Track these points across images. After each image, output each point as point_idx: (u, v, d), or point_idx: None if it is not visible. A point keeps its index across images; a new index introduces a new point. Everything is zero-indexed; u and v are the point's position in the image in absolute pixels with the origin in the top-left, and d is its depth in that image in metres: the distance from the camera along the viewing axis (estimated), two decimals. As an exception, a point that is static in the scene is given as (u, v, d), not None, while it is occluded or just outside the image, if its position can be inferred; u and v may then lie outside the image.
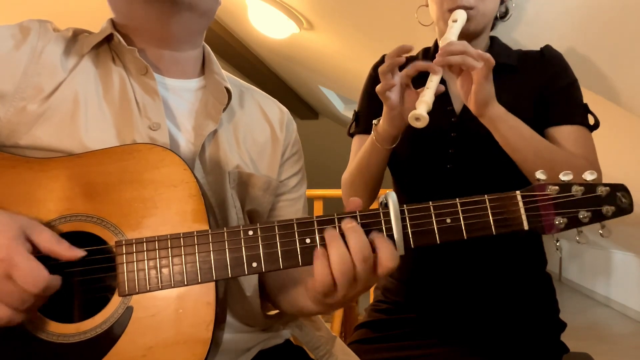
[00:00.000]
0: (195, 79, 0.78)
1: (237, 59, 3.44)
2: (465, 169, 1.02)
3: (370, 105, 1.11)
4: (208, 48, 0.82)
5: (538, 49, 1.07)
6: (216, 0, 0.75)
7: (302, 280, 0.71)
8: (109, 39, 0.73)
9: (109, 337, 0.57)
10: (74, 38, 0.72)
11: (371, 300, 1.22)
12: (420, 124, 0.80)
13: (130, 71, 0.71)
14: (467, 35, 0.98)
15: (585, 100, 1.01)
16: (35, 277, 0.52)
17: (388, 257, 0.56)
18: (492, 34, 1.11)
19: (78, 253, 0.56)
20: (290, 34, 2.43)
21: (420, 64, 0.86)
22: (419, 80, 0.87)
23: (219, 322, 0.60)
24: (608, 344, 3.28)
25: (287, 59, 3.39)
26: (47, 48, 0.67)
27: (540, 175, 0.61)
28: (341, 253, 0.56)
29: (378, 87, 0.87)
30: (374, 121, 0.96)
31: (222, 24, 2.94)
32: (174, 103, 0.74)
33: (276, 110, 0.87)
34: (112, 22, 0.74)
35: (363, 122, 1.13)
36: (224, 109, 0.75)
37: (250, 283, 0.76)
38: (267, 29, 2.42)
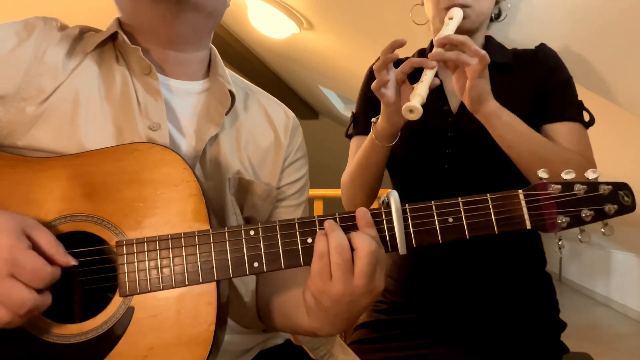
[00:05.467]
0: (200, 81, 0.77)
1: (237, 59, 3.44)
2: (463, 168, 1.02)
3: (367, 107, 1.11)
4: (215, 50, 0.81)
5: (533, 47, 1.07)
6: (224, 2, 0.74)
7: (298, 297, 0.69)
8: (113, 37, 0.72)
9: (110, 338, 0.57)
10: (80, 37, 0.72)
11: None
12: (413, 116, 0.80)
13: (134, 71, 0.70)
14: (462, 33, 0.98)
15: (580, 98, 1.01)
16: (41, 274, 0.52)
17: (362, 244, 0.56)
18: (487, 33, 1.11)
19: (71, 261, 0.56)
20: (290, 34, 2.43)
21: (415, 60, 0.86)
22: (416, 77, 0.87)
23: (221, 323, 0.60)
24: (608, 344, 3.28)
25: (287, 59, 3.39)
26: (50, 49, 0.67)
27: (542, 174, 0.60)
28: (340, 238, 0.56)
29: (373, 84, 0.87)
30: (373, 119, 0.96)
31: (222, 24, 2.94)
32: (176, 105, 0.73)
33: (282, 115, 0.85)
34: (119, 21, 0.74)
35: (361, 123, 1.13)
36: (227, 112, 0.74)
37: (248, 288, 0.76)
38: (267, 29, 2.42)
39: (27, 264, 0.52)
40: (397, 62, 0.88)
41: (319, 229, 0.59)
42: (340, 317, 0.61)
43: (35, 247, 0.54)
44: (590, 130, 1.00)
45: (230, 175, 0.73)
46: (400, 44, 0.83)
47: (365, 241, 0.56)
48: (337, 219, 0.59)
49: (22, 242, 0.52)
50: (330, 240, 0.56)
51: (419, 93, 0.81)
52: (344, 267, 0.56)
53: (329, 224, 0.58)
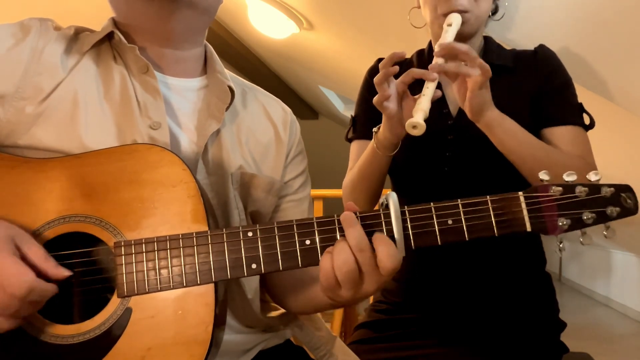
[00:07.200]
0: (198, 78, 0.77)
1: (237, 59, 3.45)
2: (463, 171, 1.01)
3: (367, 110, 1.10)
4: (210, 47, 0.81)
5: (532, 48, 1.07)
6: None
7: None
8: (110, 37, 0.72)
9: (108, 338, 0.57)
10: (76, 37, 0.72)
11: (371, 300, 1.21)
12: (417, 132, 0.79)
13: (132, 70, 0.70)
14: (461, 37, 0.97)
15: (580, 99, 1.01)
16: (19, 280, 0.51)
17: (386, 255, 0.56)
18: (486, 33, 1.10)
19: (64, 272, 0.56)
20: (290, 34, 2.43)
21: (416, 72, 0.85)
22: (417, 85, 0.87)
23: (219, 324, 0.60)
24: (608, 344, 3.28)
25: (287, 59, 3.39)
26: (48, 47, 0.67)
27: (543, 175, 0.60)
28: (346, 256, 0.56)
29: (375, 99, 0.87)
30: (374, 129, 0.96)
31: (222, 24, 2.94)
32: (176, 102, 0.73)
33: (279, 110, 0.86)
34: (114, 21, 0.74)
35: (360, 127, 1.12)
36: (227, 108, 0.75)
37: (251, 285, 0.76)
38: (267, 29, 2.42)
39: (6, 269, 0.51)
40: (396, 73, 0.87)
41: (340, 236, 0.59)
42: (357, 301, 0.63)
43: (25, 260, 0.54)
44: (590, 131, 0.99)
45: (233, 170, 0.73)
46: (399, 57, 0.82)
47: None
48: (336, 220, 0.59)
49: (5, 249, 0.52)
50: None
51: (422, 108, 0.81)
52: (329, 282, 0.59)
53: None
